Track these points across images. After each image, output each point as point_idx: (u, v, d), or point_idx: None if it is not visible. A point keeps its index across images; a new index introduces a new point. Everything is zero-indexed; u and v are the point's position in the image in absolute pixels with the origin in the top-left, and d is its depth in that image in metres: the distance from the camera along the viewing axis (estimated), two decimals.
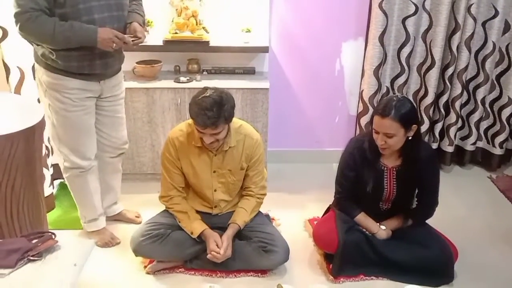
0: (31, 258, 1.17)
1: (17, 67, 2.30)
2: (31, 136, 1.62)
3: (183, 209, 2.21)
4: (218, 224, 2.25)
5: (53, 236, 1.25)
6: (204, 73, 2.98)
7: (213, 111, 1.92)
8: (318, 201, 2.68)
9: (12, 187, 1.61)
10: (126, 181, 3.03)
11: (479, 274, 2.25)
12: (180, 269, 2.25)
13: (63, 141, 2.17)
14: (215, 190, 2.23)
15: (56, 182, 2.94)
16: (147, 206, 2.65)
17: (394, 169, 2.19)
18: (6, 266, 1.14)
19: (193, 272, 2.23)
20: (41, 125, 1.68)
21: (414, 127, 2.06)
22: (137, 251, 2.17)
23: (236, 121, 2.18)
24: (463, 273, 2.22)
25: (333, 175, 2.36)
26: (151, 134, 2.93)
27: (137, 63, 2.87)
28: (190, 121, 2.13)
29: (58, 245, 1.23)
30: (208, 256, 2.11)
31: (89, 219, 2.40)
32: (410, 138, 2.07)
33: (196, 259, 2.24)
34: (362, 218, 2.27)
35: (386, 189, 2.21)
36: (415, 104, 2.83)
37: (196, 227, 2.16)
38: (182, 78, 2.85)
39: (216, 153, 2.15)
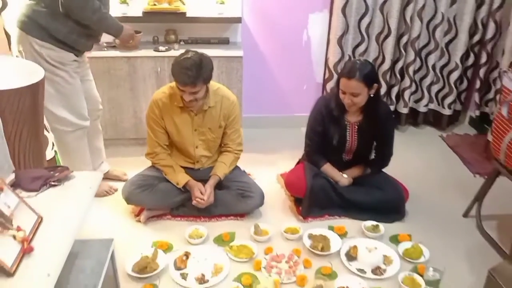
0: (52, 183, 1.41)
1: None
2: (35, 91, 1.83)
3: (168, 163, 2.46)
4: (201, 177, 2.51)
5: (67, 168, 1.49)
6: (181, 43, 3.19)
7: (193, 71, 2.16)
8: (289, 159, 2.96)
9: (20, 137, 1.81)
10: (110, 146, 3.24)
11: (428, 213, 2.61)
12: (167, 216, 2.51)
13: (64, 107, 2.38)
14: (196, 147, 2.48)
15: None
16: (131, 168, 2.84)
17: (356, 124, 2.50)
18: (32, 189, 1.37)
19: (179, 218, 2.50)
20: (43, 82, 1.88)
21: (375, 86, 2.36)
22: (129, 199, 2.42)
23: (214, 84, 2.43)
24: (414, 212, 2.58)
25: (302, 137, 2.66)
26: (133, 101, 3.14)
27: None
28: (172, 84, 2.36)
29: (73, 175, 1.47)
30: (193, 202, 2.38)
31: None
32: (371, 96, 2.38)
33: (182, 206, 2.51)
34: (328, 168, 2.58)
35: (349, 142, 2.52)
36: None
37: (181, 178, 2.42)
38: (161, 48, 3.06)
39: (197, 113, 2.40)
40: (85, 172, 1.52)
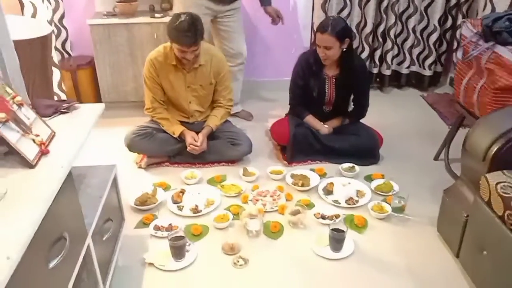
0: (63, 111, 1.68)
1: (30, 1, 2.73)
2: (44, 43, 2.09)
3: (165, 116, 2.73)
4: (195, 130, 2.78)
5: (75, 101, 1.77)
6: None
7: (191, 31, 2.42)
8: (277, 117, 3.20)
9: (33, 85, 2.09)
10: (112, 109, 3.50)
11: (402, 157, 2.87)
12: (166, 163, 2.79)
13: None
14: (190, 102, 2.74)
15: None
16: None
17: (334, 77, 2.75)
18: (46, 115, 1.64)
19: (176, 165, 2.78)
20: (50, 36, 2.15)
21: (347, 40, 2.60)
22: (130, 146, 2.70)
23: (204, 44, 2.67)
24: (389, 157, 2.85)
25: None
26: (132, 65, 3.40)
27: (117, 2, 3.31)
28: (166, 44, 2.62)
29: (79, 106, 1.74)
30: (188, 149, 2.65)
31: None
32: (344, 50, 2.62)
33: (178, 155, 2.78)
34: (310, 119, 2.84)
35: (328, 94, 2.78)
36: (348, 23, 3.42)
37: (177, 128, 2.69)
38: (156, 15, 3.30)
39: (188, 71, 2.65)
40: (89, 104, 1.78)
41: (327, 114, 2.87)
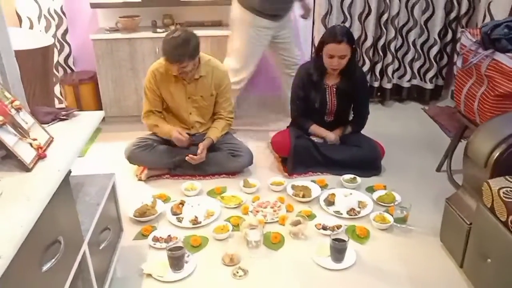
0: (62, 117, 1.68)
1: (27, 17, 2.78)
2: (46, 54, 2.11)
3: (154, 122, 2.71)
4: (196, 142, 2.77)
5: (76, 109, 1.77)
6: (177, 26, 3.47)
7: (179, 50, 2.44)
8: (278, 130, 3.18)
9: (34, 94, 2.10)
10: (113, 123, 3.54)
11: (404, 169, 2.85)
12: (166, 176, 2.78)
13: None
14: (190, 113, 2.75)
15: None
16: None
17: (334, 86, 2.75)
18: (45, 122, 1.64)
19: (176, 177, 2.77)
20: (52, 47, 2.17)
21: (354, 47, 2.62)
22: (130, 158, 2.70)
23: (205, 56, 2.70)
24: (390, 169, 2.83)
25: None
26: (134, 79, 3.43)
27: (120, 17, 3.35)
28: None
29: (78, 113, 1.74)
30: (187, 158, 2.64)
31: None
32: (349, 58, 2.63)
33: (179, 167, 2.77)
34: (315, 128, 2.83)
35: (329, 104, 2.77)
36: None
37: (169, 129, 2.69)
38: (158, 30, 3.35)
39: (189, 82, 2.66)
40: (88, 112, 1.78)
41: (329, 124, 2.86)
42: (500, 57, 2.01)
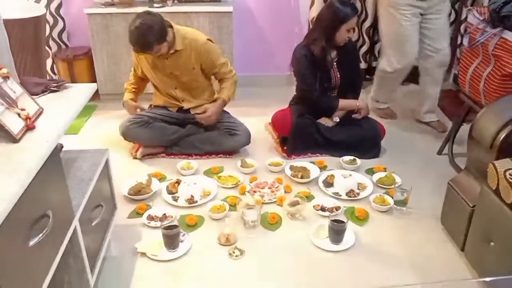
0: (53, 89, 1.61)
1: None
2: (38, 24, 2.03)
3: (126, 86, 2.79)
4: (192, 120, 2.71)
5: (65, 80, 1.69)
6: (175, 0, 3.37)
7: (145, 39, 2.35)
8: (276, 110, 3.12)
9: (25, 66, 2.02)
10: (108, 101, 3.45)
11: (405, 151, 2.80)
12: (161, 154, 2.71)
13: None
14: (175, 88, 2.68)
15: None
16: None
17: (334, 60, 2.69)
18: (35, 93, 1.57)
19: (172, 156, 2.70)
20: (44, 17, 2.08)
21: None
22: (125, 134, 2.63)
23: (181, 29, 2.56)
24: (391, 151, 2.77)
25: (291, 95, 2.87)
26: (129, 56, 3.29)
27: None
28: None
29: (70, 85, 1.67)
30: (197, 116, 2.65)
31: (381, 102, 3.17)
32: None
33: (175, 145, 2.70)
34: (343, 102, 2.73)
35: (333, 79, 2.70)
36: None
37: (126, 95, 2.74)
38: (155, 5, 3.24)
39: (168, 57, 2.55)
40: (80, 84, 1.71)
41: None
42: (509, 35, 1.94)
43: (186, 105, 2.72)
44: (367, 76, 3.77)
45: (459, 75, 2.38)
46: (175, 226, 1.90)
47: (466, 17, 3.54)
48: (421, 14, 2.78)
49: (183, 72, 2.61)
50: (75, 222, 1.44)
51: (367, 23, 3.55)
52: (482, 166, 1.76)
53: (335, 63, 2.68)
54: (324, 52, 2.62)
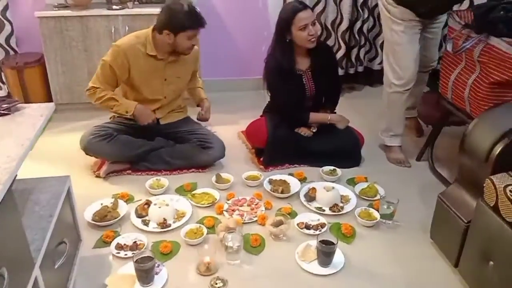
0: (2, 112, 1.37)
1: None
2: None
3: (110, 96, 2.34)
4: (165, 130, 2.53)
5: (19, 101, 1.46)
6: (135, 2, 3.13)
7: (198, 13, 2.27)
8: (250, 118, 2.87)
9: None
10: (64, 111, 3.18)
11: (383, 159, 2.71)
12: (127, 171, 2.49)
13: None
14: (165, 97, 2.48)
15: None
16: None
17: (308, 70, 2.55)
18: None
19: (140, 173, 2.49)
20: None
21: None
22: (87, 149, 2.38)
23: None
24: (369, 159, 2.67)
25: (262, 99, 2.71)
26: (87, 62, 3.07)
27: None
28: (138, 33, 2.37)
29: (23, 106, 1.44)
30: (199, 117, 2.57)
31: (393, 134, 2.68)
32: None
33: (142, 161, 2.49)
34: (313, 116, 2.59)
35: (308, 88, 2.57)
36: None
37: (129, 105, 2.37)
38: (114, 7, 3.00)
39: (169, 61, 2.37)
40: (35, 104, 1.48)
41: (309, 110, 2.65)
42: (495, 41, 1.87)
43: (159, 115, 2.51)
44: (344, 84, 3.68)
45: (440, 80, 2.31)
46: (149, 258, 1.71)
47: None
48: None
49: (179, 78, 2.48)
50: (36, 272, 1.22)
51: (343, 27, 3.44)
52: (476, 180, 1.68)
53: (308, 71, 2.54)
54: (290, 61, 2.47)
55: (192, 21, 2.24)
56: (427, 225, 2.01)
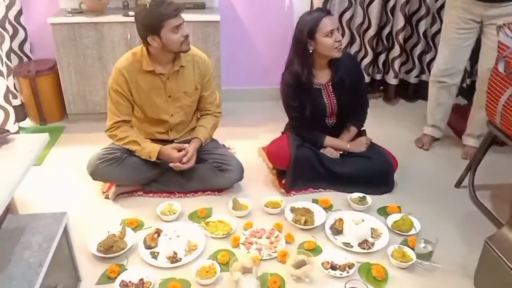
0: None
1: None
2: None
3: (132, 138, 2.19)
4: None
5: (8, 131, 1.29)
6: None
7: (174, 4, 2.03)
8: (270, 132, 2.70)
9: None
10: (79, 121, 3.05)
11: (418, 184, 2.45)
12: (138, 193, 2.32)
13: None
14: (172, 115, 2.27)
15: None
16: (104, 145, 2.60)
17: (328, 84, 2.32)
18: None
19: (151, 195, 2.31)
20: None
21: None
22: (94, 175, 2.21)
23: None
24: (403, 183, 2.43)
25: (283, 110, 2.45)
26: (102, 71, 2.92)
27: None
28: (135, 50, 2.17)
29: (13, 138, 1.27)
30: (172, 165, 2.19)
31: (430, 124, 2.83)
32: None
33: (154, 182, 2.31)
34: (330, 141, 2.39)
35: (328, 104, 2.34)
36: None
37: (152, 149, 2.19)
38: (130, 13, 2.82)
39: (168, 76, 2.18)
40: (29, 135, 1.31)
41: (333, 128, 2.43)
42: None
43: (172, 136, 2.32)
44: (369, 89, 3.43)
45: (487, 103, 2.04)
46: None
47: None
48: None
49: (186, 94, 2.24)
50: None
51: (371, 32, 3.19)
52: None
53: (329, 85, 2.31)
54: (310, 74, 2.25)
55: (161, 11, 2.01)
56: (469, 269, 1.78)
